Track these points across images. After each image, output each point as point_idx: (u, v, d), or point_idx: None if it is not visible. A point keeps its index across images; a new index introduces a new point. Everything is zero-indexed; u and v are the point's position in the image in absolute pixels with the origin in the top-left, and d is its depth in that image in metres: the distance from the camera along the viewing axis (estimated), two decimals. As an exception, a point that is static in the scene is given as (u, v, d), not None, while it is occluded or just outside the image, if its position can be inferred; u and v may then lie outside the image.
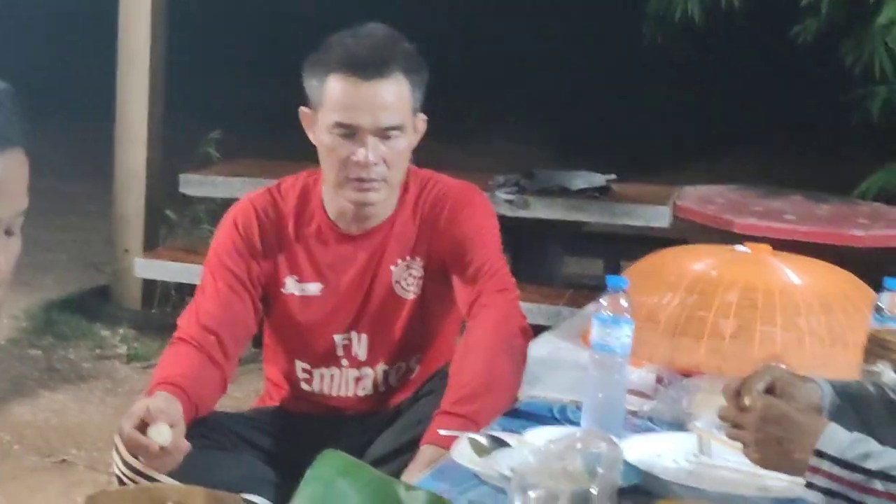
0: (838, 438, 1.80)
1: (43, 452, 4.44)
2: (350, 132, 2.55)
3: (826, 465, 1.78)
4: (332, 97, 2.56)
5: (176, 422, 2.28)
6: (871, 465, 1.75)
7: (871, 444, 1.80)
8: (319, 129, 2.60)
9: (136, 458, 2.38)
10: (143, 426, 2.25)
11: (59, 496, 4.09)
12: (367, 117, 2.53)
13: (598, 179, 5.62)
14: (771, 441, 1.85)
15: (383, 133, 2.55)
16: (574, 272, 6.70)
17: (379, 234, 2.68)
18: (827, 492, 1.78)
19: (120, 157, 6.18)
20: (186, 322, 2.61)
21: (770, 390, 1.96)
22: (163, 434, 2.23)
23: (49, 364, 5.49)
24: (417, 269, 2.68)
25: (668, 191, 5.77)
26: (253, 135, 9.43)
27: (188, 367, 2.50)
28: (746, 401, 1.91)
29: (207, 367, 2.53)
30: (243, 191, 2.79)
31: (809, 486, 1.81)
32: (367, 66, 2.53)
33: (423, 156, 2.76)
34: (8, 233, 1.41)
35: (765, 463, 1.89)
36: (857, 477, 1.76)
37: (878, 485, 1.74)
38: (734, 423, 1.92)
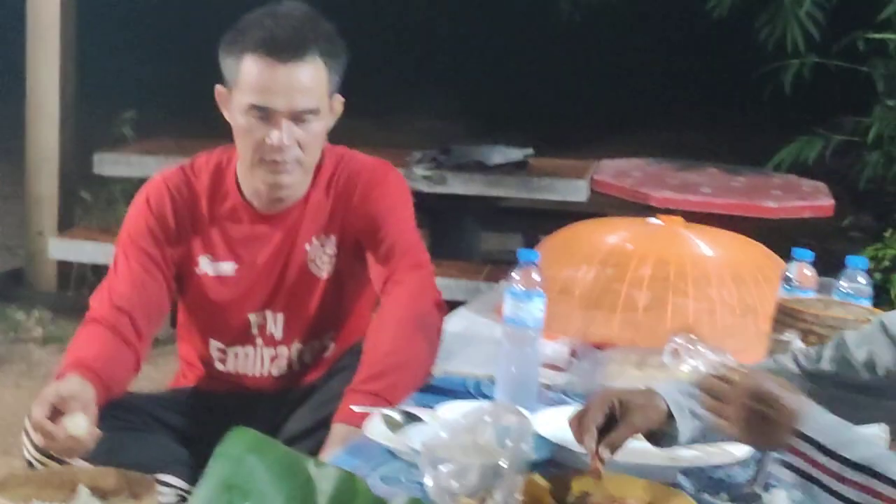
0: (821, 421, 1.75)
1: (-44, 437, 4.37)
2: (265, 115, 2.52)
3: (805, 448, 1.73)
4: (247, 78, 2.52)
5: (88, 407, 2.26)
6: (849, 454, 1.70)
7: (852, 432, 1.76)
8: (234, 109, 2.57)
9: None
10: (55, 411, 2.23)
11: (-27, 482, 4.03)
12: (282, 101, 2.50)
13: (516, 154, 5.64)
14: (754, 417, 1.78)
15: (299, 116, 2.53)
16: (492, 248, 6.71)
17: (293, 213, 2.66)
18: (803, 475, 1.74)
19: (32, 137, 6.08)
20: (98, 302, 2.58)
21: (611, 415, 1.90)
22: (80, 426, 2.21)
23: (-39, 348, 5.40)
24: (331, 247, 2.66)
25: (586, 165, 5.80)
26: (168, 114, 9.32)
27: (100, 349, 2.47)
28: (731, 374, 1.84)
29: (120, 347, 2.51)
30: (158, 170, 2.76)
31: (786, 465, 1.76)
32: (283, 49, 2.49)
33: (339, 132, 2.74)
34: None
35: (744, 438, 1.83)
36: (834, 465, 1.71)
37: (855, 476, 1.69)
38: (715, 395, 1.84)
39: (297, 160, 2.55)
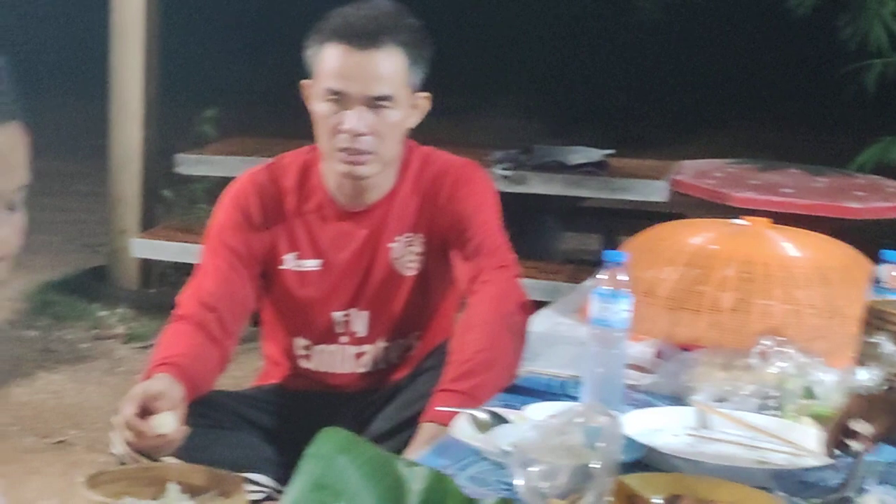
0: None
1: (41, 433, 4.44)
2: (340, 99, 2.54)
3: None
4: (325, 65, 2.55)
5: (176, 405, 2.28)
6: None
7: None
8: (314, 98, 2.60)
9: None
10: (143, 409, 2.26)
11: (58, 477, 4.09)
12: (356, 85, 2.53)
13: (596, 155, 5.62)
14: None
15: (373, 103, 2.54)
16: (572, 248, 6.69)
17: (379, 211, 2.67)
18: None
19: (115, 136, 6.15)
20: (186, 299, 2.60)
21: None
22: (167, 424, 2.23)
23: (46, 345, 5.48)
24: (418, 246, 2.67)
25: (666, 166, 5.77)
26: (250, 113, 9.41)
27: (188, 346, 2.49)
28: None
29: (207, 345, 2.53)
30: (240, 169, 2.78)
31: None
32: (360, 35, 2.52)
33: (419, 131, 2.75)
34: (10, 208, 1.40)
35: None
36: None
37: None
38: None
39: (372, 149, 2.56)
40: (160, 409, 2.25)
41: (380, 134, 2.55)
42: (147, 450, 2.23)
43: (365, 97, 2.53)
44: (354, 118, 2.52)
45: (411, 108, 2.62)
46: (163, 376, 2.37)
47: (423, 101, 2.65)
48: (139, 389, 2.29)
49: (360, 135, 2.53)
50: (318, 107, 2.57)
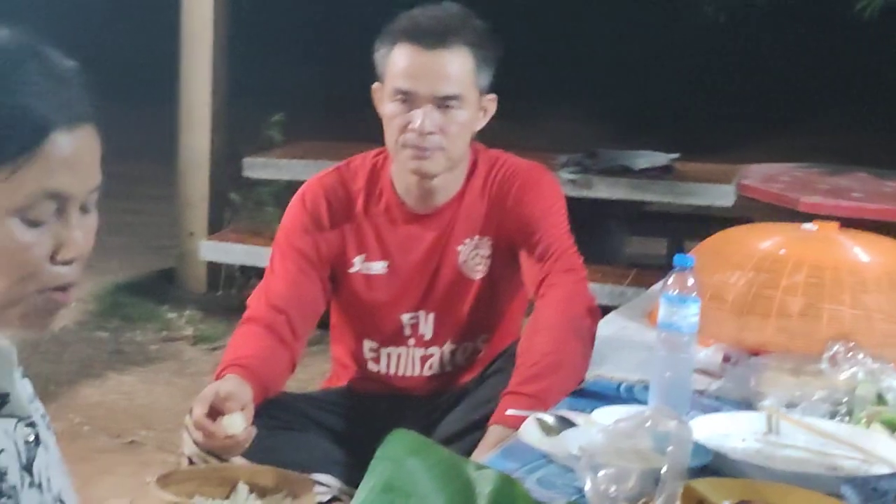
0: None
1: (112, 433, 4.50)
2: (408, 98, 2.57)
3: None
4: (394, 65, 2.59)
5: (246, 407, 2.31)
6: None
7: None
8: (383, 99, 2.62)
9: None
10: (213, 410, 2.29)
11: (129, 476, 4.14)
12: (424, 85, 2.56)
13: (662, 159, 5.60)
14: None
15: (441, 102, 2.56)
16: (637, 252, 6.66)
17: (447, 214, 2.69)
18: None
19: (184, 140, 6.23)
20: (256, 302, 2.63)
21: None
22: (236, 424, 2.26)
23: (117, 346, 5.55)
24: (485, 249, 2.69)
25: (732, 169, 5.74)
26: (316, 117, 9.46)
27: (257, 348, 2.52)
28: None
29: (276, 347, 2.55)
30: (306, 173, 2.82)
31: None
32: (429, 36, 2.56)
33: (484, 135, 2.76)
34: (84, 210, 1.43)
35: None
36: None
37: None
38: None
39: (439, 148, 2.58)
40: (230, 411, 2.28)
41: (447, 133, 2.57)
42: (216, 450, 2.26)
43: (433, 97, 2.56)
44: (422, 117, 2.55)
45: (478, 110, 2.64)
46: (232, 378, 2.40)
47: (491, 104, 2.67)
48: (210, 390, 2.32)
49: (428, 133, 2.55)
50: (387, 107, 2.60)
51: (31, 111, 1.35)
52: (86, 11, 11.83)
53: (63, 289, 1.41)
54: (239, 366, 2.45)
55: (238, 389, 2.35)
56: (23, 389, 1.51)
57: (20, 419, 1.49)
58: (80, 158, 1.39)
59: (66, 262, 1.40)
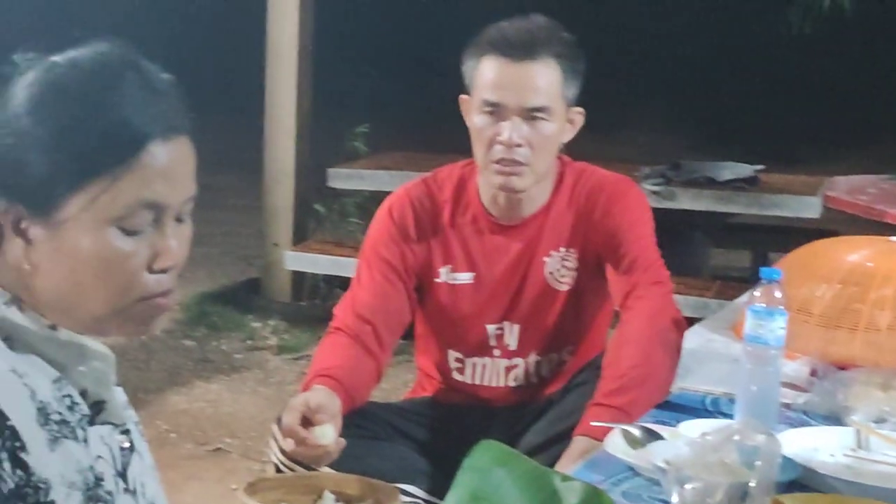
0: None
1: (198, 441, 4.56)
2: (496, 110, 2.57)
3: None
4: (482, 77, 2.59)
5: (335, 417, 2.33)
6: None
7: None
8: (471, 111, 2.63)
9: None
10: (303, 420, 2.31)
11: (215, 483, 4.19)
12: (512, 97, 2.56)
13: (746, 170, 5.55)
14: None
15: (528, 114, 2.57)
16: (721, 264, 6.62)
17: (533, 225, 2.69)
18: None
19: (269, 151, 6.29)
20: (342, 312, 2.65)
21: None
22: (327, 435, 2.28)
23: (203, 355, 5.62)
24: (572, 261, 2.69)
25: (818, 181, 5.67)
26: (400, 128, 9.50)
27: (344, 358, 2.54)
28: None
29: (363, 357, 2.57)
30: (390, 184, 2.84)
31: None
32: (517, 47, 2.56)
33: (567, 146, 2.76)
34: (178, 219, 1.46)
35: None
36: None
37: None
38: None
39: (526, 161, 2.58)
40: (320, 421, 2.30)
41: (534, 146, 2.58)
42: (306, 459, 2.28)
43: (521, 108, 2.56)
44: (510, 129, 2.55)
45: (566, 122, 2.64)
46: (321, 388, 2.42)
47: (578, 116, 2.67)
48: (300, 400, 2.34)
49: (516, 146, 2.56)
50: (475, 119, 2.61)
51: (129, 123, 1.39)
52: (175, 25, 12.01)
53: (162, 295, 1.44)
54: (327, 376, 2.48)
55: (328, 400, 2.37)
56: (119, 397, 1.54)
57: (116, 426, 1.52)
58: (176, 169, 1.43)
59: (163, 271, 1.44)
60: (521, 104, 2.56)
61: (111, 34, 1.48)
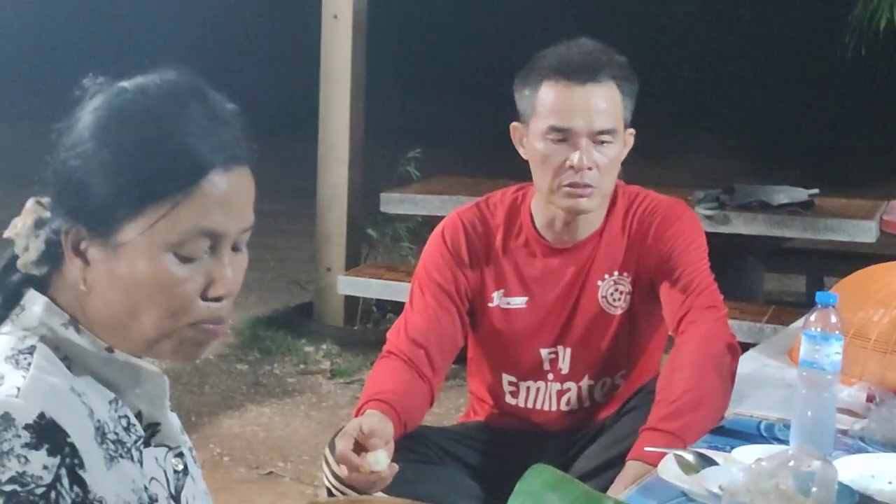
0: None
1: (251, 464, 4.57)
2: (564, 136, 2.57)
3: None
4: (545, 103, 2.58)
5: (388, 443, 2.33)
6: None
7: None
8: (532, 138, 2.62)
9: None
10: (356, 445, 2.31)
11: (267, 507, 4.21)
12: (581, 121, 2.55)
13: (801, 194, 5.51)
14: None
15: (596, 137, 2.56)
16: (775, 289, 6.58)
17: (587, 249, 2.69)
18: None
19: (323, 176, 6.33)
20: (395, 336, 2.66)
21: None
22: (380, 462, 2.28)
23: (256, 378, 5.65)
24: (625, 285, 2.68)
25: (874, 205, 5.62)
26: (452, 153, 9.53)
27: (397, 383, 2.54)
28: None
29: (415, 381, 2.57)
30: (443, 209, 2.84)
31: None
32: (580, 71, 2.56)
33: (622, 170, 2.76)
34: (235, 248, 1.47)
35: None
36: None
37: None
38: None
39: (595, 184, 2.58)
40: (374, 447, 2.29)
41: (602, 168, 2.58)
42: (359, 485, 2.28)
43: (589, 132, 2.56)
44: (580, 154, 2.55)
45: (624, 145, 2.64)
46: (375, 413, 2.42)
47: (630, 138, 2.67)
48: (353, 425, 2.34)
49: (587, 169, 2.56)
50: (539, 146, 2.60)
51: (191, 151, 1.40)
52: (233, 53, 12.13)
53: (214, 322, 1.45)
54: (380, 401, 2.47)
55: (381, 426, 2.36)
56: (173, 420, 1.56)
57: (170, 449, 1.53)
58: (236, 199, 1.44)
59: (217, 299, 1.44)
60: (589, 128, 2.56)
61: (177, 62, 1.50)
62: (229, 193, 1.42)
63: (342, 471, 2.27)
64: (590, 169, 2.56)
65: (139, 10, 14.06)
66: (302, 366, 5.83)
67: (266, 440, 4.84)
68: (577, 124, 2.55)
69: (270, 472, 4.50)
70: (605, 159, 2.57)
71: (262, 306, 6.77)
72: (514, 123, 2.67)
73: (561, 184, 2.58)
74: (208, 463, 4.47)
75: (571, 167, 2.56)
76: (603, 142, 2.57)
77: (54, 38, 12.68)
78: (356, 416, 2.45)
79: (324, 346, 6.05)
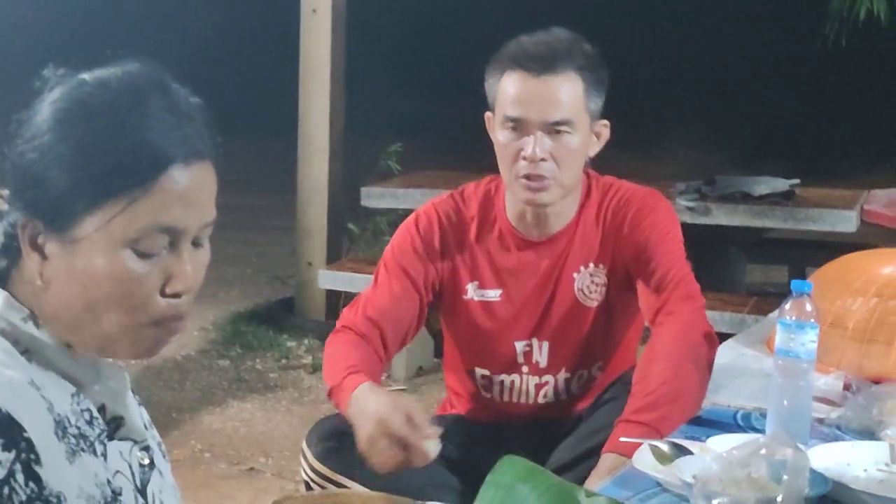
0: None
1: (232, 460, 4.56)
2: (519, 126, 2.56)
3: None
4: (504, 93, 2.58)
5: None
6: None
7: None
8: (495, 127, 2.62)
9: (323, 464, 2.43)
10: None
11: (248, 503, 4.19)
12: (534, 111, 2.54)
13: (782, 184, 5.51)
14: None
15: (551, 128, 2.55)
16: (757, 280, 6.58)
17: (561, 241, 2.68)
18: None
19: (303, 171, 6.32)
20: (352, 313, 2.64)
21: None
22: (433, 450, 2.27)
23: (237, 374, 5.64)
24: (601, 277, 2.67)
25: (855, 195, 5.62)
26: (433, 147, 9.52)
27: (364, 355, 2.53)
28: None
29: (373, 356, 2.56)
30: (423, 202, 2.82)
31: None
32: (537, 61, 2.54)
33: (601, 163, 2.75)
34: (196, 244, 1.46)
35: None
36: None
37: None
38: None
39: (551, 175, 2.56)
40: (433, 435, 2.28)
41: (559, 159, 2.56)
42: (400, 467, 2.26)
43: (543, 123, 2.54)
44: (533, 144, 2.54)
45: (591, 136, 2.62)
46: (390, 392, 2.37)
47: (604, 129, 2.65)
48: (404, 408, 2.30)
49: (541, 160, 2.55)
50: (499, 135, 2.60)
51: (151, 145, 1.38)
52: (210, 47, 12.09)
53: (173, 319, 1.44)
54: (363, 372, 2.44)
55: (418, 409, 2.34)
56: (137, 414, 1.54)
57: (136, 442, 1.52)
58: (196, 194, 1.42)
59: (176, 295, 1.43)
60: (543, 118, 2.54)
61: (144, 54, 1.48)
62: (189, 189, 1.41)
63: (387, 451, 2.25)
64: (544, 160, 2.55)
65: (114, 2, 13.98)
66: (283, 361, 5.82)
67: (247, 436, 4.82)
68: (530, 114, 2.54)
69: (251, 468, 4.49)
70: (562, 150, 2.55)
71: (243, 301, 6.76)
72: (487, 113, 2.66)
73: (517, 174, 2.57)
74: (189, 459, 4.45)
75: (525, 157, 2.55)
76: (559, 131, 2.55)
77: (21, 29, 12.60)
78: (338, 388, 2.43)
79: (305, 341, 6.04)
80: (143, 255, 1.40)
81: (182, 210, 1.40)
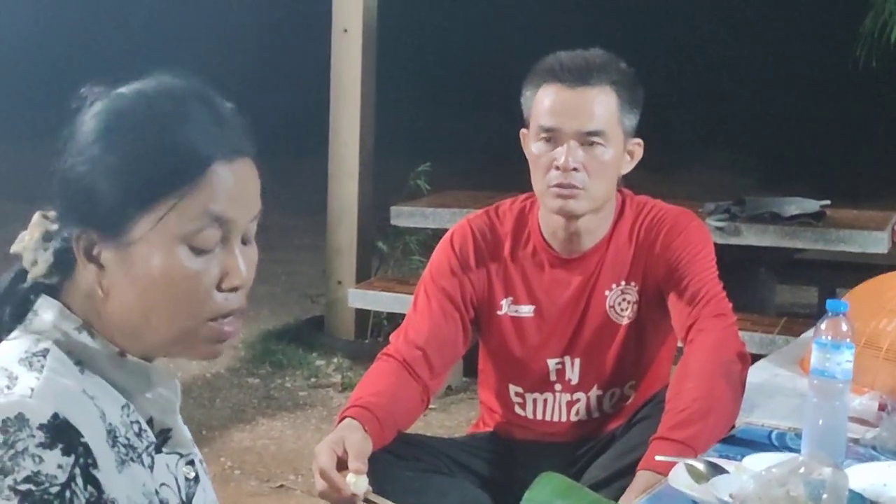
0: None
1: (262, 478, 4.57)
2: (552, 136, 2.58)
3: None
4: (539, 105, 2.61)
5: (366, 464, 2.29)
6: None
7: None
8: (529, 140, 2.64)
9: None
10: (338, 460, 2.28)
11: (278, 520, 4.20)
12: (567, 121, 2.57)
13: (812, 205, 5.49)
14: None
15: (584, 139, 2.57)
16: (787, 301, 6.56)
17: (594, 258, 2.69)
18: None
19: (333, 191, 6.34)
20: (396, 338, 2.66)
21: None
22: (360, 486, 2.25)
23: (267, 392, 5.65)
24: (632, 295, 2.68)
25: (886, 216, 5.59)
26: (462, 167, 9.54)
27: (386, 386, 2.52)
28: None
29: (408, 383, 2.56)
30: (452, 222, 2.84)
31: None
32: (573, 73, 2.58)
33: (628, 186, 2.76)
34: (245, 241, 1.49)
35: None
36: None
37: None
38: None
39: (583, 185, 2.58)
40: (359, 470, 2.25)
41: (591, 171, 2.58)
42: (333, 501, 2.25)
43: (577, 133, 2.57)
44: (565, 153, 2.56)
45: (624, 152, 2.64)
46: (357, 427, 2.37)
47: (637, 148, 2.67)
48: (336, 439, 2.31)
49: (572, 170, 2.56)
50: (533, 147, 2.62)
51: (193, 144, 1.42)
52: (242, 69, 12.16)
53: (230, 316, 1.46)
54: (362, 407, 2.43)
55: (364, 446, 2.33)
56: (184, 426, 1.56)
57: (182, 456, 1.54)
58: (241, 187, 1.46)
59: (232, 290, 1.46)
60: (576, 129, 2.56)
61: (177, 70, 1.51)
62: (235, 182, 1.45)
63: (320, 485, 2.25)
64: (576, 170, 2.56)
65: (150, 25, 14.13)
66: (313, 379, 5.83)
67: (277, 453, 4.83)
68: (563, 124, 2.57)
69: (282, 486, 4.50)
70: (594, 162, 2.58)
71: (274, 320, 6.78)
72: (523, 130, 2.68)
73: (549, 184, 2.59)
74: (219, 476, 4.46)
75: (557, 167, 2.56)
76: (592, 143, 2.57)
77: (65, 55, 12.74)
78: (339, 419, 2.44)
79: (335, 360, 6.05)
80: (197, 252, 1.43)
81: (230, 202, 1.44)
